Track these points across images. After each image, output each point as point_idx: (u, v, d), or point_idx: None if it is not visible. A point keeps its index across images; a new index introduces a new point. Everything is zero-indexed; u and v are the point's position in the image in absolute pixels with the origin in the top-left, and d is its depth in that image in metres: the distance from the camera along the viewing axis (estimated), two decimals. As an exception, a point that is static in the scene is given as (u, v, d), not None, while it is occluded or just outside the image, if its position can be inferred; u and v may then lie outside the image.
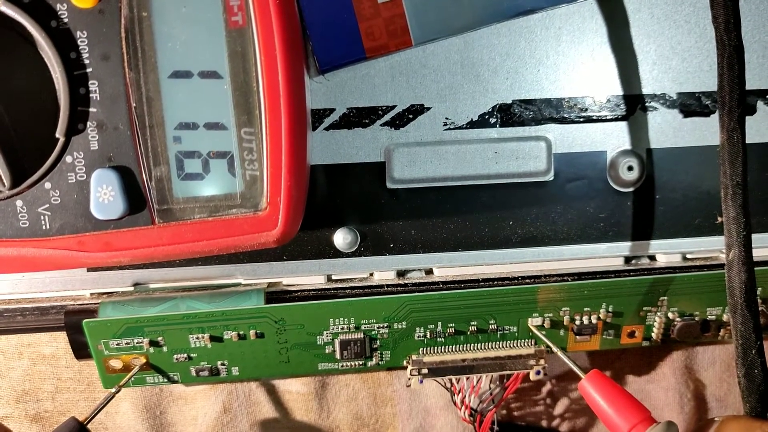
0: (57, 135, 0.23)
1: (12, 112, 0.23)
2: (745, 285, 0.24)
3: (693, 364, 0.37)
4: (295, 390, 0.36)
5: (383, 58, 0.28)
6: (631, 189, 0.30)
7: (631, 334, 0.31)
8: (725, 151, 0.24)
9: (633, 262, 0.31)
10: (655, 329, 0.31)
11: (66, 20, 0.23)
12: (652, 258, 0.31)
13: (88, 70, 0.23)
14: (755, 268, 0.30)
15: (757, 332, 0.24)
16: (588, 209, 0.30)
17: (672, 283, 0.30)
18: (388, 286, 0.30)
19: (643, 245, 0.30)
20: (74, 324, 0.29)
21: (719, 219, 0.29)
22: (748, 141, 0.29)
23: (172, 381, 0.30)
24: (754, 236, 0.30)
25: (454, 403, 0.32)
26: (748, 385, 0.24)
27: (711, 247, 0.31)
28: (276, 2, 0.23)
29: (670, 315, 0.31)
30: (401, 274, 0.31)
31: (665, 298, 0.30)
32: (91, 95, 0.23)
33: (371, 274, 0.31)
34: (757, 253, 0.30)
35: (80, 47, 0.23)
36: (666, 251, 0.31)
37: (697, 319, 0.31)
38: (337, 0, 0.26)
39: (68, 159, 0.24)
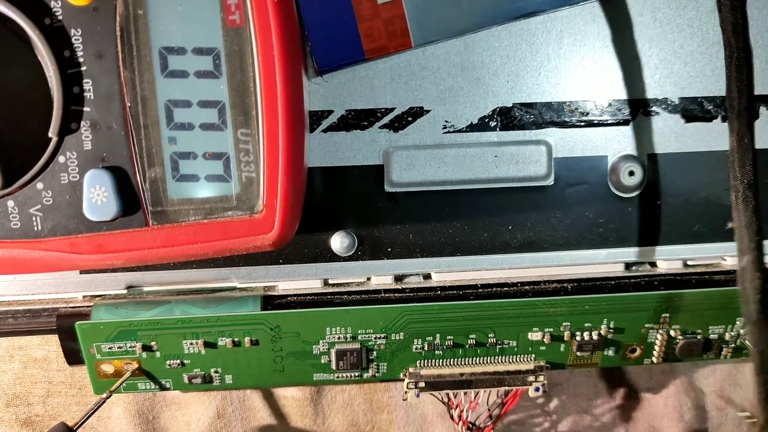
0: (50, 134, 0.23)
1: (4, 110, 0.23)
2: (761, 292, 0.23)
3: (692, 373, 0.37)
4: (290, 395, 0.35)
5: (382, 59, 0.28)
6: (632, 194, 0.29)
7: (633, 351, 0.31)
8: (735, 154, 0.24)
9: (633, 268, 0.31)
10: (656, 347, 0.31)
11: (60, 18, 0.23)
12: (653, 264, 0.31)
13: (83, 68, 0.23)
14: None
15: None
16: (588, 214, 0.30)
17: (674, 299, 0.30)
18: (385, 291, 0.29)
19: (644, 251, 0.30)
20: (66, 328, 0.28)
21: (729, 224, 0.29)
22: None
23: (163, 388, 0.30)
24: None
25: (452, 417, 0.32)
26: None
27: (712, 254, 0.30)
28: (274, 2, 0.22)
29: (672, 332, 0.30)
30: (399, 278, 0.30)
31: (667, 315, 0.30)
32: (85, 94, 0.23)
33: (368, 279, 0.30)
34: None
35: (74, 45, 0.23)
36: (667, 258, 0.30)
37: (699, 337, 0.30)
38: (337, 0, 0.26)
39: (61, 159, 0.23)
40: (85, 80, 0.23)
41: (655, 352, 0.31)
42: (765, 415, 0.24)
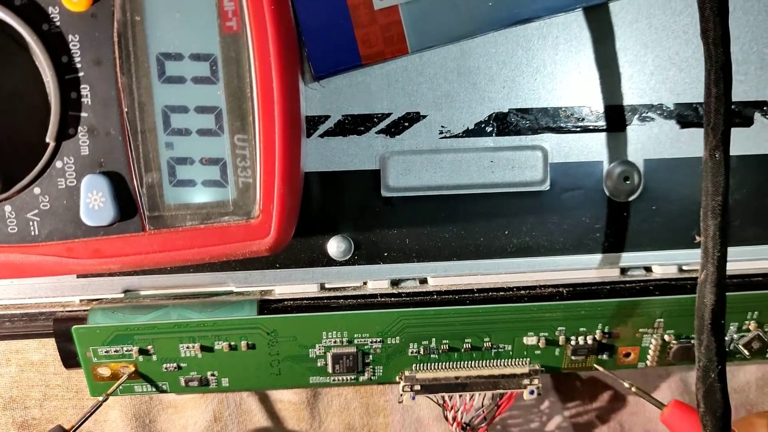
0: (47, 140, 0.23)
1: (2, 115, 0.23)
2: (714, 307, 0.24)
3: (688, 376, 0.37)
4: (286, 399, 0.35)
5: (379, 65, 0.28)
6: (627, 199, 0.30)
7: (627, 355, 0.31)
8: (707, 169, 0.24)
9: (629, 273, 0.31)
10: (650, 351, 0.31)
11: (58, 24, 0.23)
12: (648, 269, 0.31)
13: (80, 74, 0.23)
14: (753, 286, 0.30)
15: (720, 356, 0.24)
16: (584, 219, 0.30)
17: (669, 304, 0.30)
18: (381, 295, 0.30)
19: (639, 256, 0.30)
20: (63, 332, 0.28)
21: (697, 238, 0.29)
22: (744, 153, 0.29)
23: (160, 390, 0.30)
24: (748, 249, 0.30)
25: (446, 419, 0.32)
26: (706, 409, 0.24)
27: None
28: (271, 8, 0.22)
29: (666, 337, 0.30)
30: (395, 283, 0.30)
31: (661, 319, 0.30)
32: (82, 100, 0.23)
33: (365, 283, 0.30)
34: (755, 266, 0.30)
35: (72, 51, 0.23)
36: (662, 262, 0.30)
37: (692, 342, 0.30)
38: (334, 6, 0.26)
39: (58, 164, 0.23)
40: (82, 86, 0.23)
41: (649, 356, 0.31)
42: (708, 429, 0.24)
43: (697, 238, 0.28)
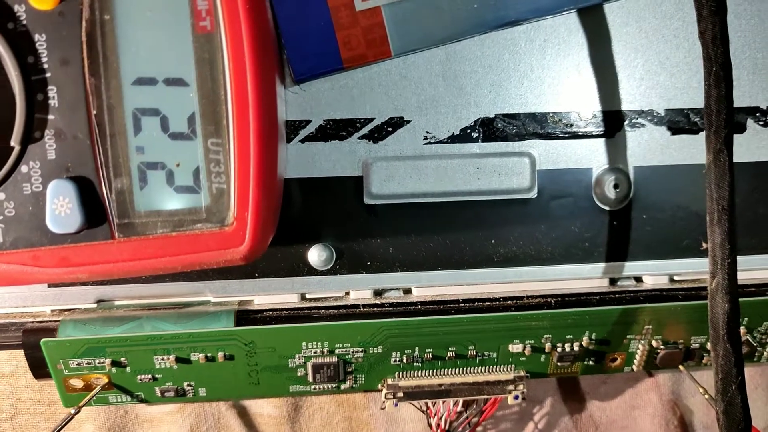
0: (12, 143, 0.22)
1: (-35, 118, 0.22)
2: (728, 316, 0.23)
3: (679, 390, 0.36)
4: (266, 413, 0.34)
5: (361, 68, 0.27)
6: (617, 208, 0.29)
7: (613, 360, 0.30)
8: (711, 173, 0.23)
9: (619, 283, 0.30)
10: (637, 357, 0.30)
11: (24, 22, 0.22)
12: (638, 279, 0.30)
13: (47, 75, 0.22)
14: (744, 295, 0.29)
15: (739, 366, 0.23)
16: (573, 228, 0.29)
17: (657, 312, 0.29)
18: (364, 305, 0.29)
19: (629, 266, 0.30)
20: (32, 344, 0.27)
21: (704, 245, 0.28)
22: (737, 160, 0.28)
23: (136, 400, 0.29)
24: (743, 258, 0.29)
25: (430, 426, 0.31)
26: (728, 422, 0.23)
27: (698, 269, 0.30)
28: (246, 7, 0.22)
29: (653, 343, 0.30)
30: (378, 293, 0.29)
31: (650, 326, 0.29)
32: (49, 102, 0.22)
33: (347, 293, 0.29)
34: (748, 276, 0.30)
35: (39, 51, 0.22)
36: (652, 273, 0.30)
37: (680, 347, 0.30)
38: (314, 8, 0.25)
39: (24, 169, 0.22)
40: (49, 87, 0.22)
41: (635, 361, 0.30)
42: None
43: (704, 244, 0.27)
